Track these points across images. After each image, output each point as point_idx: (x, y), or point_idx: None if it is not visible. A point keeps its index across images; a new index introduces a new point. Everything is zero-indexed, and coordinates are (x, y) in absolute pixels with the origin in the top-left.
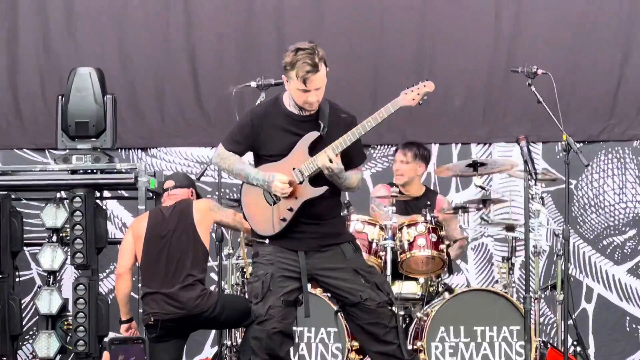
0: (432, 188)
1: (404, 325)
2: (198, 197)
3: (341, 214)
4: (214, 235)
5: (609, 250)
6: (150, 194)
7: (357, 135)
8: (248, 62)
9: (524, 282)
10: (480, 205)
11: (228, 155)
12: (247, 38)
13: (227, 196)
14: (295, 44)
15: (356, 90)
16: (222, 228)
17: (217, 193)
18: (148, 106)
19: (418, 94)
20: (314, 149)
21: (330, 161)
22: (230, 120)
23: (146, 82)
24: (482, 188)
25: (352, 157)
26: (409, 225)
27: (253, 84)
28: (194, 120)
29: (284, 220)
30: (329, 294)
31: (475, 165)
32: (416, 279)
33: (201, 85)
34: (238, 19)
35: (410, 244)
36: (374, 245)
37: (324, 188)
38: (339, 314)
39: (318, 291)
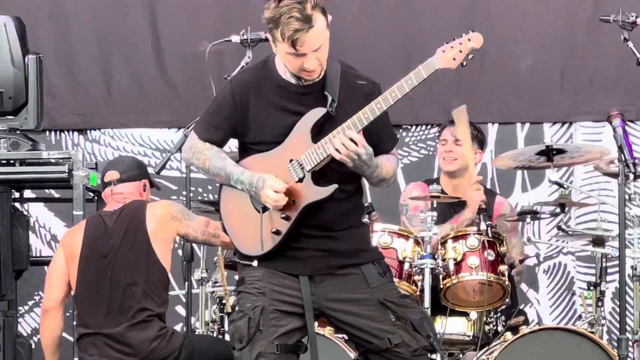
0: (488, 186)
1: None
2: (153, 186)
3: (363, 220)
4: (180, 252)
5: None
6: (91, 194)
7: (378, 110)
8: (229, 9)
9: (617, 318)
10: (557, 210)
11: (202, 147)
12: None
13: (199, 197)
14: None
15: (383, 55)
16: (193, 243)
17: (184, 193)
18: (89, 72)
19: (460, 52)
20: (319, 132)
21: (355, 143)
22: (204, 91)
23: (87, 37)
24: (560, 185)
25: (380, 140)
26: (455, 238)
27: (235, 38)
28: (154, 92)
29: (277, 233)
30: (344, 336)
31: (549, 154)
32: (466, 314)
33: (163, 42)
34: None
35: (458, 265)
36: (406, 266)
37: (333, 187)
38: None
39: (328, 331)
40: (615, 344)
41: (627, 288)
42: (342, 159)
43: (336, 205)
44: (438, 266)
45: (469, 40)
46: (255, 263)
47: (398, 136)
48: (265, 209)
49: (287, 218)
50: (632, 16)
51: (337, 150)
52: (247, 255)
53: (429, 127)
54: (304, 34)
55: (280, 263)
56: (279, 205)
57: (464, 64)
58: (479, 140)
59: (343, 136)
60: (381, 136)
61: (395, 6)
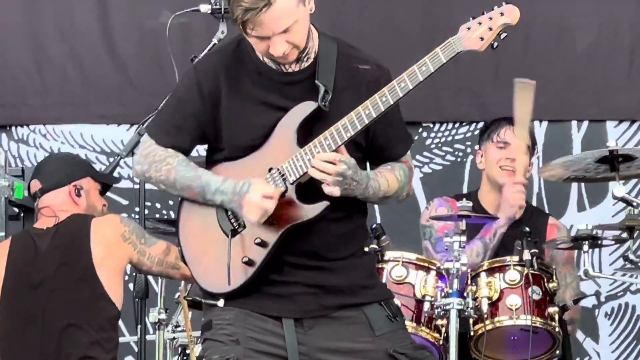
0: (534, 204)
1: None
2: (105, 187)
3: (366, 248)
4: (131, 286)
5: None
6: (16, 210)
7: (383, 105)
8: None
9: None
10: (623, 235)
11: (164, 154)
12: None
13: (157, 215)
14: None
15: (401, 31)
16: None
17: (136, 209)
18: (13, 49)
19: (490, 29)
20: (309, 133)
21: (332, 163)
22: (164, 77)
23: (13, 12)
24: (627, 203)
25: (388, 142)
26: (490, 271)
27: (205, 7)
28: (98, 77)
29: (249, 263)
30: None
31: (613, 161)
32: None
33: (111, 11)
34: None
35: (494, 305)
36: (426, 306)
37: (323, 205)
38: None
39: None
40: None
41: None
42: (330, 191)
43: (331, 226)
44: (468, 307)
45: (502, 14)
46: (220, 303)
47: (416, 137)
48: (235, 232)
49: (262, 244)
50: None
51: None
52: (211, 292)
53: (457, 125)
54: (257, 14)
55: (259, 302)
56: (267, 214)
57: (495, 45)
58: (529, 146)
59: (316, 160)
60: (389, 137)
61: None
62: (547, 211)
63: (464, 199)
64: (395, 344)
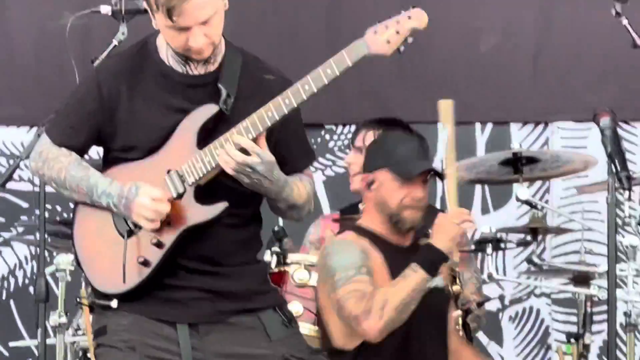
0: (438, 206)
1: None
2: None
3: (260, 258)
4: (31, 289)
5: None
6: None
7: (286, 107)
8: None
9: None
10: (527, 238)
11: (57, 153)
12: None
13: (57, 217)
14: None
15: (304, 37)
16: (47, 276)
17: (37, 212)
18: None
19: (397, 33)
20: (209, 136)
21: (246, 152)
22: (64, 78)
23: None
24: (531, 205)
25: (290, 154)
26: None
27: (106, 8)
28: None
29: (145, 264)
30: None
31: (516, 163)
32: None
33: (11, 11)
34: None
35: None
36: None
37: (222, 205)
38: None
39: None
40: None
41: (618, 341)
42: (235, 175)
43: (228, 232)
44: None
45: (409, 18)
46: (114, 303)
47: (319, 140)
48: (131, 232)
49: (159, 244)
50: None
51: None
52: (106, 294)
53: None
54: (183, 1)
55: (154, 307)
56: (159, 216)
57: (402, 49)
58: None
59: (229, 145)
60: (291, 149)
61: None
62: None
63: (352, 210)
64: (291, 349)
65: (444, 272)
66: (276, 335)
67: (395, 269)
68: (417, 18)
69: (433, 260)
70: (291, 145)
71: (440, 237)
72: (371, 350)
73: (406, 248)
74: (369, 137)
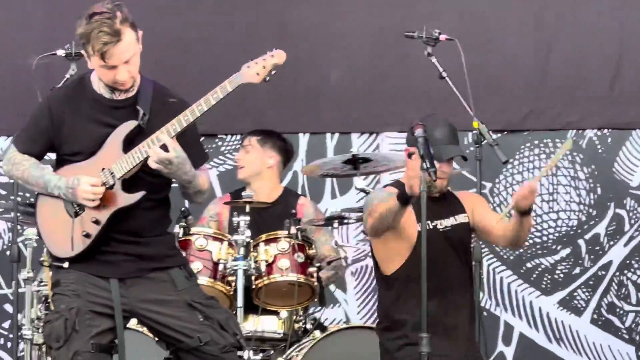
0: (299, 192)
1: None
2: None
3: (169, 230)
4: (7, 253)
5: (534, 276)
6: None
7: (186, 121)
8: (57, 23)
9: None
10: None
11: (21, 158)
12: None
13: (28, 201)
14: (92, 7)
15: (187, 76)
16: (19, 244)
17: (11, 197)
18: None
19: (264, 67)
20: (131, 143)
21: (165, 149)
22: (34, 102)
23: None
24: (365, 192)
25: (190, 155)
26: (267, 242)
27: (61, 52)
28: None
29: (87, 236)
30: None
31: (355, 162)
32: (277, 313)
33: None
34: None
35: (269, 266)
36: (220, 267)
37: (140, 194)
38: None
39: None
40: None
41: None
42: (157, 167)
43: (146, 213)
44: (251, 267)
45: (272, 56)
46: (66, 264)
47: (214, 145)
48: (77, 213)
49: (97, 222)
50: (436, 32)
51: (154, 159)
52: (59, 258)
53: (242, 135)
54: (112, 46)
55: (93, 266)
56: (97, 196)
57: (267, 79)
58: (279, 147)
59: (155, 146)
60: (190, 152)
61: (206, 33)
62: (305, 194)
63: (236, 193)
64: (192, 296)
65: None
66: (181, 286)
67: (419, 208)
68: (278, 57)
69: (403, 193)
70: (190, 149)
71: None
72: (404, 272)
73: (432, 199)
74: (253, 140)
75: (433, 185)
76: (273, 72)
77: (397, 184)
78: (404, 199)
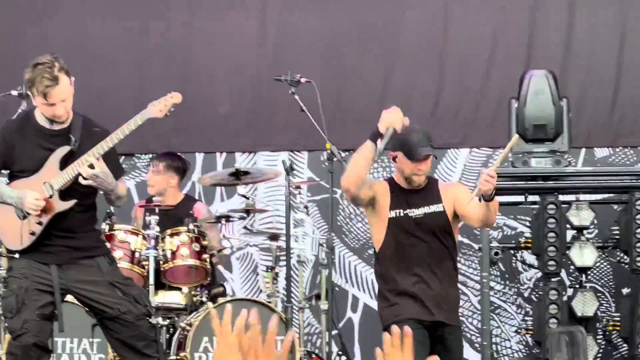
0: (196, 198)
1: (167, 336)
2: None
3: (96, 227)
4: None
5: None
6: None
7: (107, 147)
8: (11, 69)
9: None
10: (244, 215)
11: None
12: (9, 43)
13: None
14: (36, 58)
15: (119, 99)
16: None
17: None
18: None
19: (165, 106)
20: (65, 163)
21: (92, 167)
22: None
23: None
24: (245, 197)
25: (111, 171)
26: (172, 235)
27: (14, 92)
28: None
29: (32, 234)
30: None
31: (238, 174)
32: (180, 289)
33: None
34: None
35: (173, 254)
36: (137, 255)
37: (73, 201)
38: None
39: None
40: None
41: (294, 270)
42: (86, 182)
43: (77, 215)
44: (159, 255)
45: (171, 97)
46: (17, 255)
47: (132, 162)
48: (24, 217)
49: (40, 223)
50: (297, 76)
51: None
52: (12, 250)
53: (154, 155)
54: (52, 89)
55: (38, 256)
56: (39, 207)
57: (168, 114)
58: (177, 168)
59: (85, 166)
60: (111, 168)
61: (129, 72)
62: (201, 199)
63: (149, 200)
64: (113, 277)
65: None
66: (105, 269)
67: (397, 199)
68: (176, 97)
69: (374, 134)
70: (112, 167)
71: (381, 123)
72: (383, 251)
73: (412, 190)
74: (160, 166)
75: (412, 180)
76: (172, 109)
77: (389, 180)
78: (373, 134)
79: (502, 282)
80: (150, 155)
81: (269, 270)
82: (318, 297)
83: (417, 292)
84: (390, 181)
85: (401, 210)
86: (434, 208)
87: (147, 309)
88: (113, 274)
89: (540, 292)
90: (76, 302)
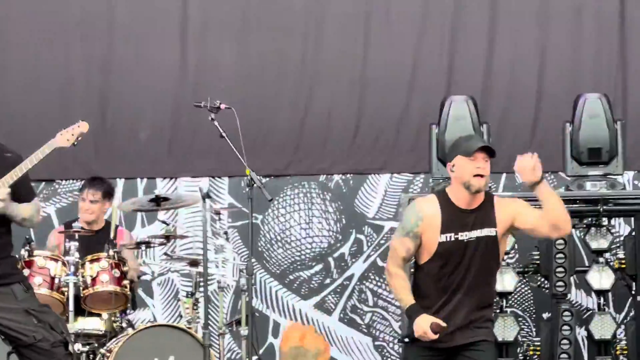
0: (118, 223)
1: None
2: None
3: (12, 254)
4: None
5: (295, 285)
6: None
7: (16, 176)
8: None
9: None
10: (164, 241)
11: None
12: None
13: None
14: None
15: (40, 124)
16: None
17: None
18: None
19: (72, 135)
20: None
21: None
22: None
23: None
24: (165, 223)
25: (21, 195)
26: (92, 261)
27: None
28: None
29: None
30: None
31: (158, 200)
32: (100, 315)
33: None
34: None
35: (93, 280)
36: (56, 281)
37: None
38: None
39: None
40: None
41: (214, 296)
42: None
43: None
44: (79, 281)
45: (78, 126)
46: None
47: (53, 188)
48: None
49: None
50: (217, 102)
51: None
52: None
53: (74, 180)
54: None
55: None
56: None
57: (75, 143)
58: (110, 194)
59: None
60: (23, 192)
61: (50, 97)
62: (121, 227)
63: (69, 224)
64: (29, 305)
65: None
66: (20, 297)
67: (450, 222)
68: (82, 127)
69: (409, 314)
70: (22, 191)
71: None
72: (426, 267)
73: (467, 210)
74: (97, 195)
75: (471, 185)
76: (80, 137)
77: (438, 193)
78: (408, 315)
79: None
80: (71, 181)
81: (189, 295)
82: (238, 322)
83: (447, 315)
84: (442, 198)
85: (452, 235)
86: (487, 232)
87: (63, 336)
88: (29, 301)
89: None
90: None
